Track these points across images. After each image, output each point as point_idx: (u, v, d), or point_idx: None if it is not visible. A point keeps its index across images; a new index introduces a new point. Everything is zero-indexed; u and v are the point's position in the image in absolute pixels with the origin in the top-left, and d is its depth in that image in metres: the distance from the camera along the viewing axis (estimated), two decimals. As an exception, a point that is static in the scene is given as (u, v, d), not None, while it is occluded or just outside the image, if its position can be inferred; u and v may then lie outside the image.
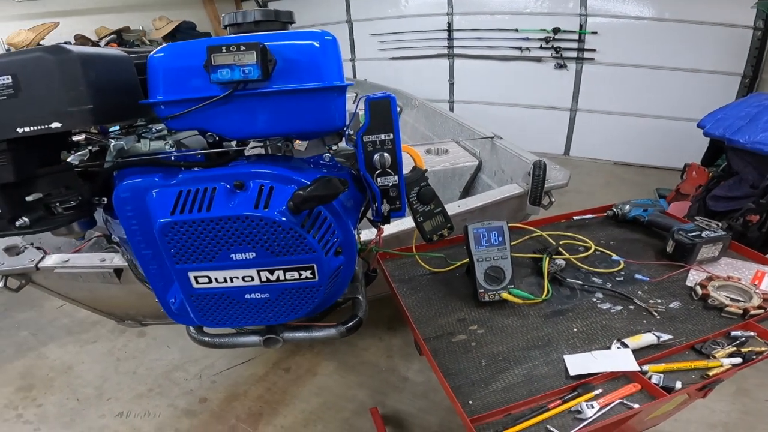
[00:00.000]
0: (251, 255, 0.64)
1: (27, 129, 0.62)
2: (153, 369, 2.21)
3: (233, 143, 0.79)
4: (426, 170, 0.87)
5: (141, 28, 4.93)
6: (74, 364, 2.27)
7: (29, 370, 2.23)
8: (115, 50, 0.71)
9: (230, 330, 0.86)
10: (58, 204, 0.73)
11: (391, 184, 0.72)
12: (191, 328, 0.88)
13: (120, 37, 4.63)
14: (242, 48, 0.60)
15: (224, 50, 0.61)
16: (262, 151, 0.77)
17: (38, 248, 1.46)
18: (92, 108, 0.62)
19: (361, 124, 0.74)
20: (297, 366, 2.18)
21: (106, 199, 0.77)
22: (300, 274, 0.67)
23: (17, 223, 0.71)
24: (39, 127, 0.62)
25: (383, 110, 0.70)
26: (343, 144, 0.81)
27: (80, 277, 1.40)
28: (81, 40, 4.22)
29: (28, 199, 0.70)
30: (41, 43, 3.78)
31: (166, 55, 0.66)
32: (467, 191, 2.50)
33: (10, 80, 0.60)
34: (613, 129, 4.75)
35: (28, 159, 0.68)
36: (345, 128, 0.74)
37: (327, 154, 0.79)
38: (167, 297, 0.76)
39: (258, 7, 0.72)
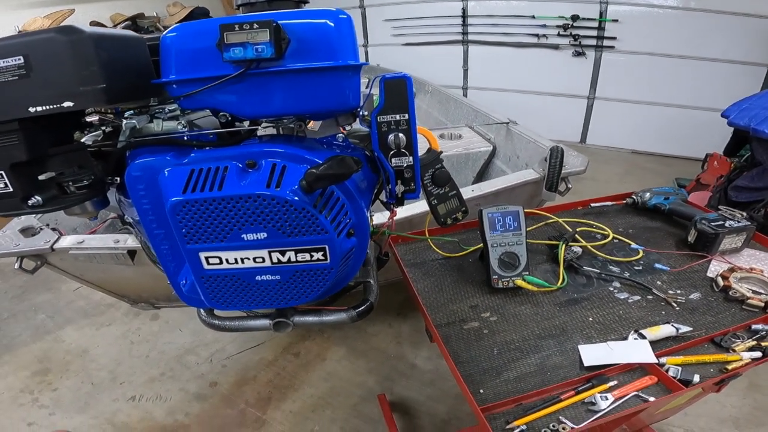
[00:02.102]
0: (263, 235, 0.63)
1: (39, 108, 0.62)
2: (165, 353, 2.25)
3: (245, 123, 0.78)
4: (441, 152, 0.85)
5: (155, 15, 4.94)
6: (90, 348, 2.31)
7: (46, 354, 2.28)
8: (127, 31, 0.71)
9: (240, 313, 0.86)
10: (70, 183, 0.73)
11: (405, 165, 0.71)
12: (201, 311, 0.87)
13: (134, 23, 4.64)
14: (255, 26, 0.59)
15: (237, 28, 0.59)
16: (275, 131, 0.76)
17: (54, 229, 1.47)
18: (104, 87, 0.62)
19: (375, 106, 0.72)
20: (306, 351, 2.19)
21: (118, 178, 0.77)
22: (311, 256, 0.66)
23: (30, 202, 0.71)
24: (51, 107, 0.62)
25: (399, 90, 0.68)
26: (356, 125, 0.79)
27: (95, 258, 1.41)
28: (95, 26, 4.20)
29: (41, 178, 0.70)
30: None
31: (179, 35, 0.65)
32: (481, 176, 2.47)
33: (22, 60, 0.60)
34: (632, 117, 4.65)
35: (40, 138, 0.68)
36: (359, 108, 0.72)
37: (340, 135, 0.77)
38: (178, 278, 0.76)
39: None
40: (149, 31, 4.69)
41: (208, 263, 0.66)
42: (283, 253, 0.65)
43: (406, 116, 0.69)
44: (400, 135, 0.68)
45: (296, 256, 0.66)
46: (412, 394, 1.92)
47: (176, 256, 0.74)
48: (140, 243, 1.37)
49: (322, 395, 1.93)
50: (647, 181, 4.05)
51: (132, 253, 1.41)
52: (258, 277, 0.68)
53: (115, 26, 4.49)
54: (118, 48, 0.66)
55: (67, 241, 1.41)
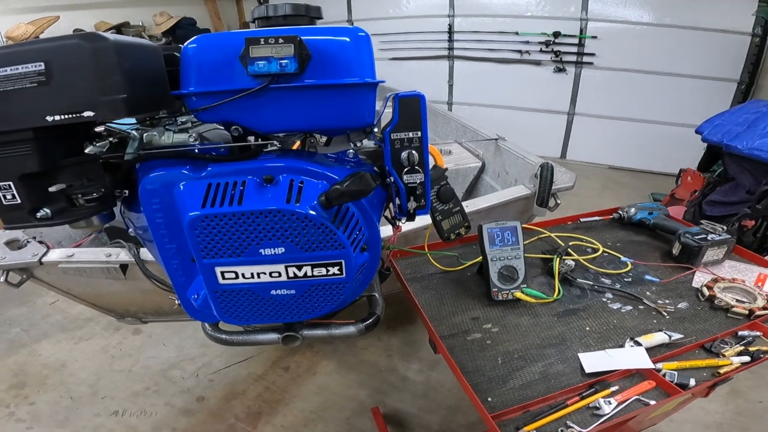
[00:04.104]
0: (281, 250, 0.64)
1: (57, 117, 0.61)
2: (149, 367, 2.19)
3: (251, 138, 0.78)
4: (446, 169, 0.88)
5: (141, 24, 4.87)
6: (68, 362, 2.23)
7: (22, 368, 2.19)
8: (144, 40, 0.70)
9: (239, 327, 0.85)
10: (80, 196, 0.72)
11: (418, 182, 0.72)
12: (207, 325, 0.87)
13: (119, 32, 4.57)
14: (280, 41, 0.60)
15: (262, 42, 0.60)
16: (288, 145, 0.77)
17: (41, 242, 1.43)
18: (126, 98, 0.61)
19: (384, 123, 0.74)
20: (296, 365, 2.17)
21: (127, 191, 0.77)
22: (327, 270, 0.67)
23: (38, 215, 0.70)
24: (70, 116, 0.61)
25: (413, 108, 0.70)
26: (365, 141, 0.81)
27: (85, 272, 1.38)
28: (80, 34, 4.12)
29: (51, 189, 0.69)
30: (40, 37, 3.72)
31: (200, 46, 0.65)
32: (470, 192, 2.51)
33: (43, 67, 0.59)
34: (610, 133, 4.81)
35: (53, 149, 0.67)
36: (373, 125, 0.74)
37: (351, 151, 0.78)
38: (188, 293, 0.75)
39: (285, 2, 0.71)
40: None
41: (224, 278, 0.67)
42: (299, 267, 0.66)
43: (419, 134, 0.71)
44: (414, 152, 0.70)
45: (312, 271, 0.67)
46: (404, 406, 1.92)
47: (187, 271, 0.74)
48: (133, 257, 1.35)
49: (313, 409, 1.91)
50: (624, 195, 4.19)
51: (124, 267, 1.38)
52: (273, 292, 0.68)
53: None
54: (137, 57, 0.65)
55: (56, 255, 1.37)
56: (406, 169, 0.71)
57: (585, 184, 4.37)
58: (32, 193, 0.68)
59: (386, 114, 0.74)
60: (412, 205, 0.73)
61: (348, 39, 0.65)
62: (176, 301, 1.43)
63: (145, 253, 1.35)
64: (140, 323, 1.91)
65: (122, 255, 1.36)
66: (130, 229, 0.85)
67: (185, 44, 0.66)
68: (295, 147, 0.81)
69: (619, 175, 4.74)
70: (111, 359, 2.25)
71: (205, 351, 2.27)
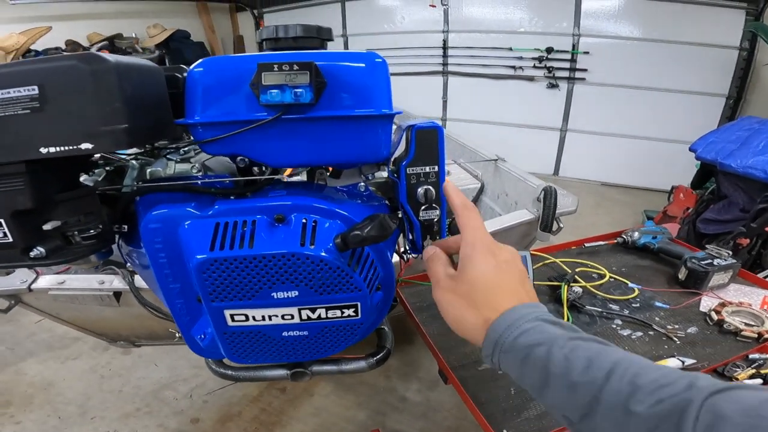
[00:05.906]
0: (294, 294, 0.60)
1: (52, 149, 0.55)
2: (140, 387, 2.14)
3: (256, 169, 0.75)
4: (459, 200, 0.85)
5: (134, 35, 4.81)
6: (55, 381, 2.17)
7: (6, 386, 2.12)
8: (146, 61, 0.63)
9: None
10: (76, 233, 0.67)
11: (435, 219, 0.69)
12: (211, 361, 0.83)
13: (112, 44, 4.50)
14: (295, 67, 0.55)
15: (276, 68, 0.55)
16: (298, 178, 0.74)
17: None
18: (127, 128, 0.54)
19: (396, 155, 0.71)
20: (292, 386, 2.12)
21: (126, 226, 0.73)
22: (342, 312, 0.64)
23: (32, 254, 0.65)
24: (66, 148, 0.54)
25: (430, 141, 0.65)
26: (377, 173, 0.78)
27: (76, 299, 1.33)
28: (71, 45, 4.10)
29: (46, 227, 0.64)
30: (32, 47, 3.67)
31: (207, 71, 0.60)
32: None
33: (36, 91, 0.52)
34: (602, 150, 4.84)
35: (47, 182, 0.62)
36: (388, 159, 0.70)
37: (362, 184, 0.75)
38: (193, 332, 0.71)
39: (296, 23, 0.67)
40: (127, 53, 4.58)
41: (233, 320, 0.63)
42: (313, 310, 0.63)
43: (436, 168, 0.67)
44: (431, 189, 0.66)
45: (327, 313, 0.63)
46: (404, 427, 1.89)
47: (191, 310, 0.70)
48: (128, 285, 1.30)
49: (312, 431, 1.86)
50: (617, 212, 4.21)
51: (117, 294, 1.33)
52: (285, 333, 0.65)
53: (91, 46, 4.36)
54: (140, 81, 0.58)
55: (45, 281, 1.31)
56: (424, 206, 0.68)
57: (579, 202, 4.39)
58: (25, 232, 0.63)
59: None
60: (428, 242, 0.70)
61: (364, 65, 0.61)
62: (177, 334, 1.38)
63: (140, 281, 1.31)
64: (133, 346, 1.85)
65: (116, 282, 1.31)
66: (128, 264, 0.81)
67: (191, 67, 0.61)
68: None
69: (612, 192, 4.77)
70: (100, 379, 2.19)
71: (198, 372, 2.21)
